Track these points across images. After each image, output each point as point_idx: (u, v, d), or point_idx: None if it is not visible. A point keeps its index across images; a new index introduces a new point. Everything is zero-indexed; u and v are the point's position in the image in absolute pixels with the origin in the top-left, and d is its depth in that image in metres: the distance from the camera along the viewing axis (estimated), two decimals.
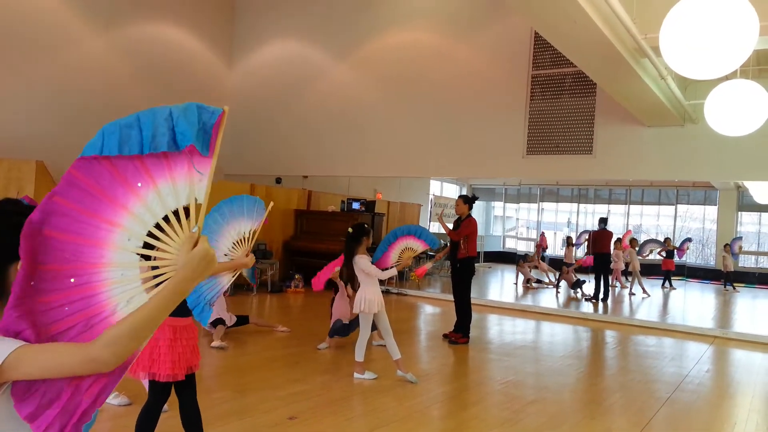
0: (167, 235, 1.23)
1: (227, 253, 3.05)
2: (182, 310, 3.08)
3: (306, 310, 9.60)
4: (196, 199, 1.25)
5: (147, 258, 1.24)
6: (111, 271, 1.22)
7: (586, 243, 13.62)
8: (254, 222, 3.04)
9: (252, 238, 3.03)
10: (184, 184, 1.25)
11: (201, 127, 1.23)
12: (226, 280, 3.10)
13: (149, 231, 1.23)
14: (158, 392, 3.12)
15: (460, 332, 7.36)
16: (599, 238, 12.07)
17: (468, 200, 7.43)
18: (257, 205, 3.03)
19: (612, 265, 12.74)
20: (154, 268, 1.23)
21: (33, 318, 1.17)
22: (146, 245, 1.24)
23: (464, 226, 7.27)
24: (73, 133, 10.40)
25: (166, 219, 1.24)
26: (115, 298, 1.22)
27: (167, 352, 3.00)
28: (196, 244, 1.21)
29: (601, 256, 11.96)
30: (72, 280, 1.20)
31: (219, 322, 6.47)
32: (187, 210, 1.24)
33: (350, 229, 5.62)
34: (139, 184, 1.23)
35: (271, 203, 3.26)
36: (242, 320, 6.91)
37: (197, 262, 1.20)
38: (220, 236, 3.04)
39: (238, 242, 3.05)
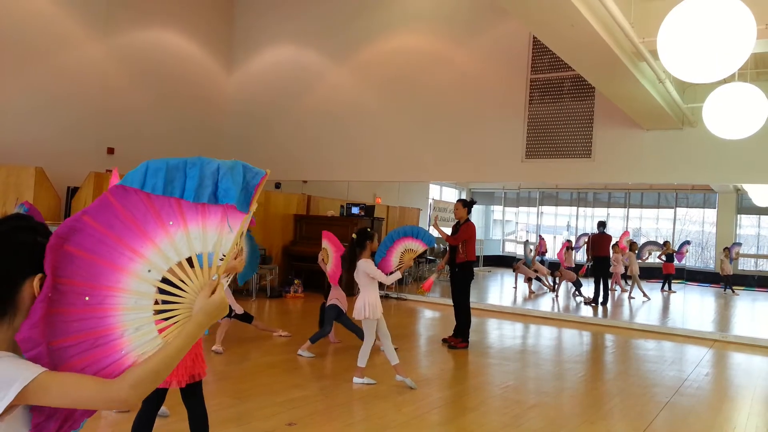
0: (187, 275, 1.29)
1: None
2: None
3: (305, 315, 9.58)
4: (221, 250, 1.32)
5: (164, 292, 1.28)
6: (125, 297, 1.26)
7: (585, 246, 13.62)
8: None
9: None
10: (214, 232, 1.32)
11: (244, 186, 1.32)
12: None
13: (170, 267, 1.28)
14: (151, 399, 3.10)
15: (459, 337, 7.34)
16: (598, 241, 12.07)
17: (467, 204, 7.42)
18: None
19: (611, 269, 12.74)
20: (164, 302, 1.28)
21: (45, 328, 1.20)
22: (164, 280, 1.29)
23: (462, 230, 7.27)
24: (71, 139, 10.41)
25: (188, 261, 1.29)
26: (124, 324, 1.26)
27: None
28: (213, 292, 1.29)
29: (600, 260, 11.96)
30: (87, 298, 1.24)
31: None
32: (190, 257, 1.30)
33: (354, 235, 5.60)
34: (171, 222, 1.28)
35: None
36: (247, 317, 6.88)
37: (213, 309, 1.28)
38: None
39: None
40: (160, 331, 1.27)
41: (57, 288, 1.20)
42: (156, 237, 1.27)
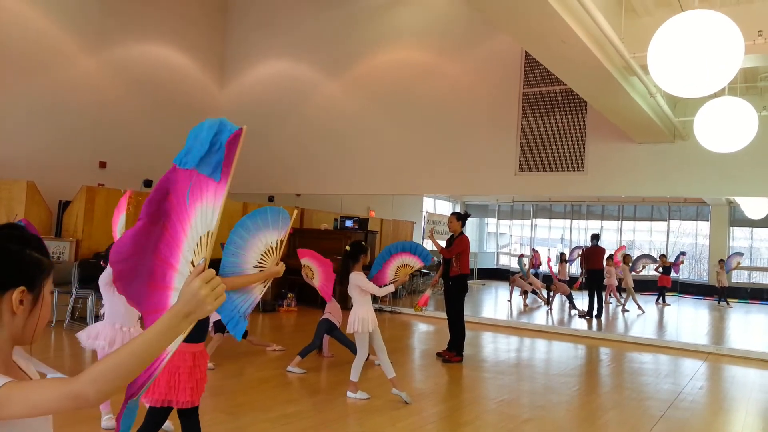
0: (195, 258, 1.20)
1: (257, 264, 3.06)
2: (199, 335, 3.06)
3: (299, 329, 9.54)
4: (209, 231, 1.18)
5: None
6: (176, 277, 1.24)
7: (579, 259, 13.65)
8: (280, 231, 3.07)
9: (280, 248, 3.04)
10: (211, 209, 1.18)
11: (218, 147, 1.15)
12: (258, 291, 3.08)
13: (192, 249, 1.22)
14: (155, 415, 3.07)
15: (453, 351, 7.32)
16: (592, 254, 12.11)
17: (461, 217, 7.44)
18: (281, 214, 3.05)
19: (605, 281, 12.76)
20: None
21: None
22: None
23: (456, 243, 7.28)
24: (63, 153, 10.39)
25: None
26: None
27: (187, 379, 2.96)
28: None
29: (593, 273, 11.98)
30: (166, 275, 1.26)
31: (220, 328, 6.39)
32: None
33: (348, 247, 5.60)
34: (197, 197, 1.22)
35: (295, 211, 3.34)
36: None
37: (188, 297, 1.11)
38: (247, 250, 3.06)
39: (266, 252, 3.06)
40: None
41: (155, 263, 1.22)
42: (192, 213, 1.19)
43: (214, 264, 3.16)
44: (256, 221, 3.08)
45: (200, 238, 1.18)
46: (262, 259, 3.05)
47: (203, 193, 1.17)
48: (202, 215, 1.17)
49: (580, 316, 11.99)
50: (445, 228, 10.59)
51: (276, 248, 3.06)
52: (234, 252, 3.01)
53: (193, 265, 1.19)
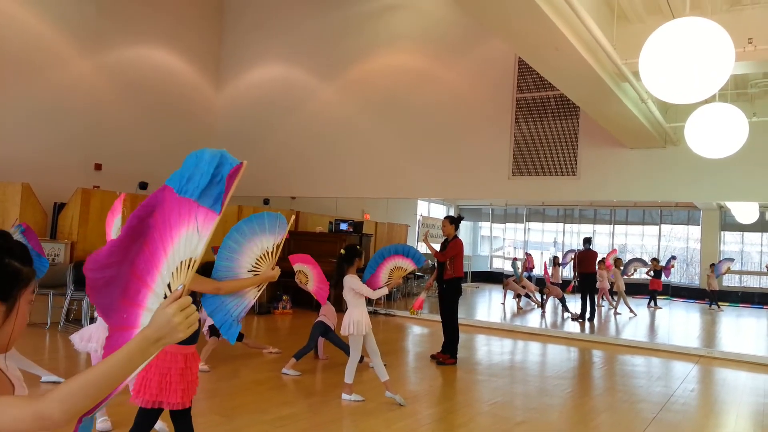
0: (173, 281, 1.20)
1: (251, 269, 3.08)
2: (191, 337, 3.06)
3: (294, 331, 9.56)
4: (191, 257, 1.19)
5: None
6: (150, 296, 1.23)
7: (572, 263, 13.73)
8: (277, 236, 3.09)
9: (276, 252, 3.07)
10: (197, 236, 1.19)
11: (219, 179, 1.17)
12: (252, 295, 3.10)
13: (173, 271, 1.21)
14: (146, 416, 3.09)
15: (447, 353, 7.37)
16: (584, 258, 12.18)
17: (454, 221, 7.49)
18: (279, 219, 3.08)
19: (597, 285, 12.83)
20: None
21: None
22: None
23: (450, 247, 7.32)
24: (59, 155, 10.38)
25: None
26: (142, 324, 1.24)
27: (179, 381, 2.97)
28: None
29: (586, 276, 12.06)
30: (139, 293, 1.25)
31: (215, 332, 6.40)
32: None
33: (342, 250, 5.64)
34: (185, 220, 1.22)
35: (293, 216, 3.36)
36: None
37: (161, 323, 1.10)
38: (241, 254, 3.08)
39: (262, 257, 3.09)
40: None
41: (130, 280, 1.21)
42: (177, 236, 1.19)
43: (206, 267, 3.12)
44: (252, 226, 3.11)
45: (181, 262, 1.18)
46: (257, 263, 3.08)
47: (191, 219, 1.19)
48: (187, 240, 1.18)
49: (572, 319, 12.06)
50: (440, 232, 10.65)
51: (272, 253, 3.09)
52: (228, 256, 3.03)
53: (170, 289, 1.19)
